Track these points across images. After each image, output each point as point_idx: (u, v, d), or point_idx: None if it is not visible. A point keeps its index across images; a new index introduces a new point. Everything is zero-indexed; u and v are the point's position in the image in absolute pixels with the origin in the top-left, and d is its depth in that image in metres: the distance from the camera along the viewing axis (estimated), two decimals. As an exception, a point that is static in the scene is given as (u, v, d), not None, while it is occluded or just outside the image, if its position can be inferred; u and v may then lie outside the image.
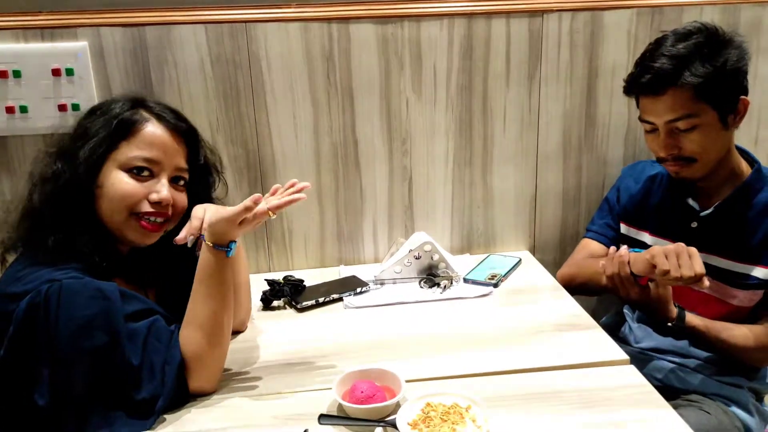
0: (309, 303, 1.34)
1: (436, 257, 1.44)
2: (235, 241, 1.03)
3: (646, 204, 1.41)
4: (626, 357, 1.11)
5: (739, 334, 1.25)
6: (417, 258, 1.44)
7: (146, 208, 1.05)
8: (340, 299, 1.37)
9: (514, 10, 1.47)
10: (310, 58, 1.46)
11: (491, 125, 1.55)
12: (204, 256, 1.03)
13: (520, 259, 1.55)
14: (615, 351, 1.13)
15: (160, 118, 1.09)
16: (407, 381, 0.99)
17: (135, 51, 1.41)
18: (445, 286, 1.40)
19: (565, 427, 0.93)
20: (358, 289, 1.39)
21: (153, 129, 1.07)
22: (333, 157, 1.53)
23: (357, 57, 1.47)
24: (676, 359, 1.32)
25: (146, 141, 1.06)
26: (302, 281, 1.40)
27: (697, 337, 1.27)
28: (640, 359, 1.35)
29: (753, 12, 1.52)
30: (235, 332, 1.23)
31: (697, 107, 1.20)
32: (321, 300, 1.35)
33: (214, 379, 1.04)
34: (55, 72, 1.39)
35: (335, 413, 0.96)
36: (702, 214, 1.30)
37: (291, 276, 1.43)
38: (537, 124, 1.56)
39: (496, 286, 1.41)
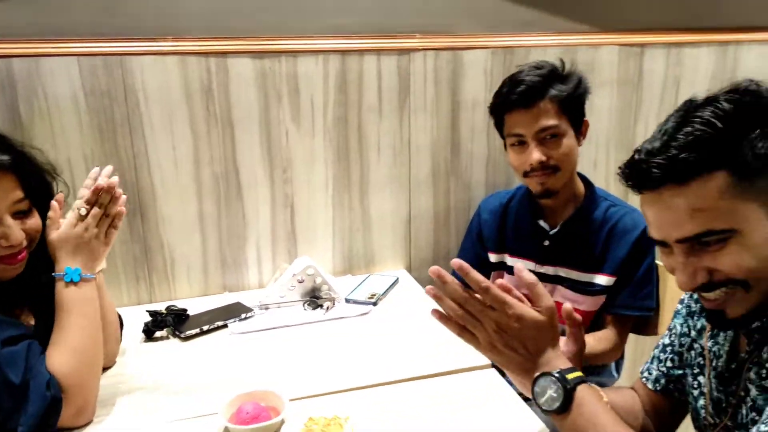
0: (193, 332, 1.36)
1: (318, 280, 1.51)
2: (72, 267, 1.05)
3: (503, 231, 1.57)
4: (489, 362, 1.23)
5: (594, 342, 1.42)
6: (300, 282, 1.50)
7: (2, 252, 1.01)
8: (225, 326, 1.40)
9: (383, 48, 1.59)
10: (189, 90, 1.49)
11: (367, 154, 1.66)
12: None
13: (398, 278, 1.66)
14: (480, 357, 1.25)
15: None
16: (291, 399, 1.05)
17: (1, 83, 1.37)
18: (327, 308, 1.47)
19: (431, 428, 1.03)
20: (243, 315, 1.43)
21: None
22: (214, 186, 1.56)
23: (236, 90, 1.52)
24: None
25: None
26: (185, 310, 1.42)
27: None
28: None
29: (587, 53, 1.76)
30: (104, 368, 1.21)
31: (561, 119, 1.37)
32: (205, 328, 1.37)
33: (88, 412, 1.05)
34: None
35: (222, 436, 1.00)
36: (551, 232, 1.48)
37: (174, 306, 1.44)
38: (408, 153, 1.69)
39: (375, 304, 1.50)
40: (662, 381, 1.02)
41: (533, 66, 1.41)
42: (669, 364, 1.02)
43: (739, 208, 0.73)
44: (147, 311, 1.39)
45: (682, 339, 0.99)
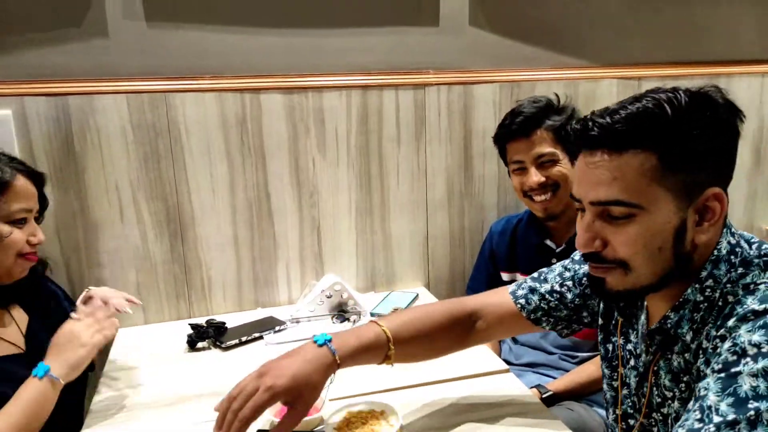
0: (233, 342, 1.47)
1: (345, 295, 1.63)
2: (45, 363, 1.13)
3: (514, 251, 1.69)
4: (506, 367, 1.34)
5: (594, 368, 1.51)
6: (328, 297, 1.62)
7: (27, 248, 1.21)
8: (261, 337, 1.52)
9: (401, 83, 1.75)
10: (225, 123, 1.64)
11: (387, 179, 1.79)
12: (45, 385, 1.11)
13: (417, 294, 1.78)
14: (498, 363, 1.37)
15: (21, 170, 1.22)
16: (330, 400, 1.16)
17: (58, 118, 1.52)
18: (354, 321, 1.59)
19: (458, 425, 1.14)
20: (277, 328, 1.55)
21: (22, 182, 1.21)
22: (248, 210, 1.70)
23: (268, 123, 1.67)
24: (550, 372, 1.59)
25: (20, 194, 1.20)
26: (224, 323, 1.54)
27: (573, 393, 1.48)
28: (521, 375, 1.60)
29: (588, 86, 1.91)
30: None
31: (556, 147, 1.52)
32: (243, 339, 1.49)
33: None
34: (-22, 138, 1.46)
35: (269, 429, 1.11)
36: (557, 251, 1.60)
37: (213, 319, 1.56)
38: (425, 178, 1.83)
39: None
40: (539, 314, 1.13)
41: (531, 100, 1.57)
42: (552, 305, 1.12)
43: (653, 190, 0.78)
44: (189, 324, 1.51)
45: (571, 296, 1.10)
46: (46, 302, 1.34)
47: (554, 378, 1.56)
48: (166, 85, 1.58)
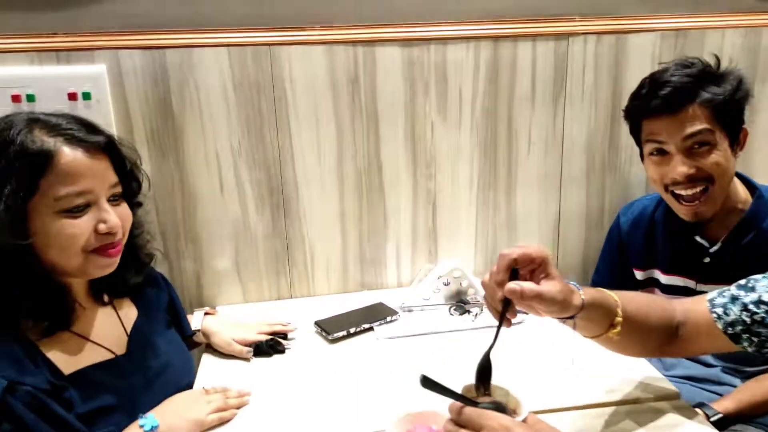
0: (341, 333, 1.31)
1: (465, 283, 1.42)
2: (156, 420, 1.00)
3: (652, 244, 1.39)
4: (675, 390, 1.10)
5: None
6: (446, 284, 1.42)
7: (99, 241, 0.95)
8: (371, 328, 1.34)
9: (540, 33, 1.46)
10: (335, 81, 1.43)
11: (516, 148, 1.54)
12: None
13: (546, 283, 1.53)
14: (662, 382, 1.12)
15: (71, 140, 0.93)
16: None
17: (155, 74, 1.37)
18: (476, 314, 1.38)
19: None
20: (389, 318, 1.37)
21: (71, 157, 0.92)
22: (356, 181, 1.50)
23: (382, 80, 1.44)
24: (711, 387, 1.32)
25: (70, 174, 0.92)
26: (274, 339, 1.30)
27: (746, 415, 1.20)
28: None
29: (773, 35, 1.54)
30: None
31: (713, 126, 1.19)
32: (352, 330, 1.32)
33: None
34: (72, 96, 1.33)
35: (391, 459, 0.94)
36: (711, 250, 1.29)
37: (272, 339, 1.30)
38: (561, 146, 1.55)
39: (527, 313, 1.39)
40: (738, 329, 0.93)
41: (680, 64, 1.22)
42: (757, 318, 0.91)
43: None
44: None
45: None
46: (150, 292, 1.19)
47: (718, 395, 1.29)
48: (270, 37, 1.39)
